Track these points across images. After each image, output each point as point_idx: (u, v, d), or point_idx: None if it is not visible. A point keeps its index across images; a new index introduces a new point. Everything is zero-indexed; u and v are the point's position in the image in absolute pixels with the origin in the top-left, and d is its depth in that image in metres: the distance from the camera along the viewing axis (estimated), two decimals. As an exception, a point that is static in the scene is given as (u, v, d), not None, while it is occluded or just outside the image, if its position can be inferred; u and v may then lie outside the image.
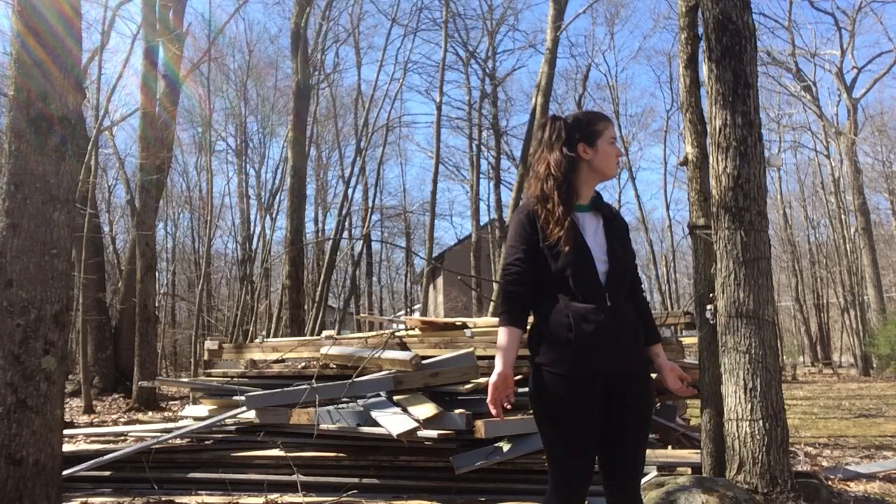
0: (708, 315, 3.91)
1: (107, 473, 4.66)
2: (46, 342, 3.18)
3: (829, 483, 4.29)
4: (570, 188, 2.15)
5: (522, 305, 2.11)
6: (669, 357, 4.88)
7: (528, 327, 2.18)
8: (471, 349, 4.52)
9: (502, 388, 2.03)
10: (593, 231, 2.16)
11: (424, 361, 4.42)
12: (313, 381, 4.54)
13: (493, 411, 2.03)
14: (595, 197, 2.24)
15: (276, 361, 5.75)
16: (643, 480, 3.16)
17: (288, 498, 4.18)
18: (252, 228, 26.57)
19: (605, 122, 2.25)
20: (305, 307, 15.87)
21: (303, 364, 5.55)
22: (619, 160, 2.27)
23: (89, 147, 10.88)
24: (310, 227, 25.97)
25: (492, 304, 13.58)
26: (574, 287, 2.06)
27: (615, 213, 2.28)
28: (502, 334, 2.08)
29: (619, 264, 2.13)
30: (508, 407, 2.06)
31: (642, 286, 2.33)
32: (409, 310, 30.92)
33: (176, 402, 12.74)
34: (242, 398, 4.64)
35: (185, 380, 7.99)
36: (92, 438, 6.00)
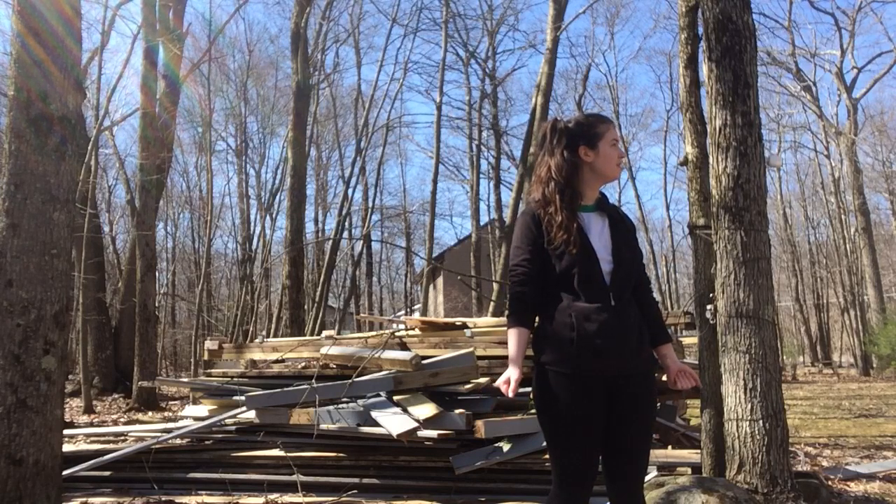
0: (708, 315, 3.90)
1: (107, 473, 4.66)
2: (46, 342, 3.18)
3: (829, 483, 4.29)
4: (572, 191, 2.16)
5: (530, 306, 2.13)
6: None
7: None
8: (471, 349, 4.52)
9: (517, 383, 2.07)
10: (598, 231, 2.17)
11: (424, 361, 4.41)
12: (313, 381, 4.54)
13: (506, 388, 2.06)
14: (600, 198, 2.24)
15: (276, 361, 5.75)
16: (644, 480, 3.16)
17: (288, 498, 4.18)
18: (252, 228, 26.63)
19: (606, 124, 2.25)
20: (305, 307, 15.87)
21: (303, 364, 5.55)
22: (622, 161, 2.27)
23: (89, 147, 10.87)
24: (310, 227, 26.02)
25: (492, 304, 13.58)
26: (578, 287, 2.07)
27: (622, 214, 2.28)
28: (512, 337, 2.11)
29: (624, 265, 2.14)
30: (511, 395, 2.07)
31: (650, 286, 2.33)
32: (409, 310, 30.93)
33: (176, 402, 12.73)
34: (242, 398, 4.64)
35: (185, 380, 7.99)
36: (92, 438, 6.00)
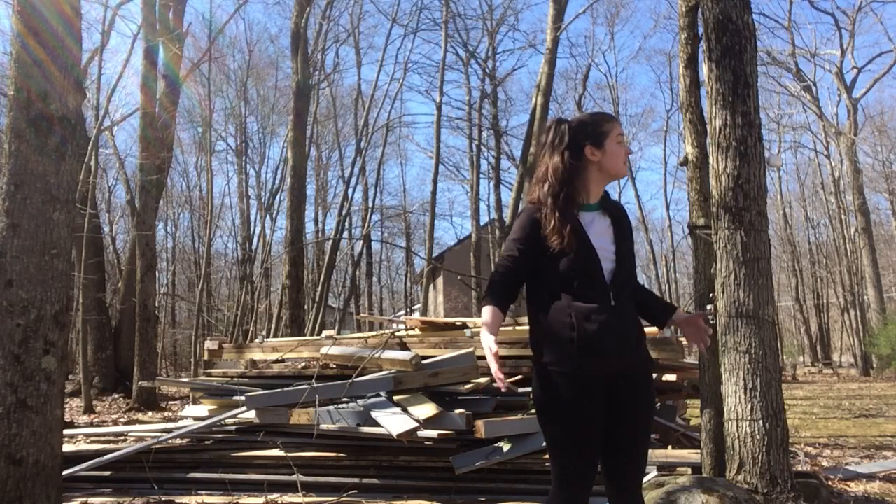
0: (708, 315, 3.91)
1: (107, 473, 4.66)
2: (46, 342, 3.18)
3: (829, 483, 4.29)
4: (567, 193, 2.13)
5: (505, 291, 2.11)
6: (669, 357, 4.86)
7: (531, 327, 2.18)
8: (471, 349, 4.51)
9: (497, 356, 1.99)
10: (601, 230, 2.15)
11: (424, 361, 4.41)
12: (313, 381, 4.54)
13: (501, 384, 1.99)
14: (603, 196, 2.23)
15: (276, 361, 5.75)
16: (643, 480, 3.16)
17: (288, 498, 4.18)
18: (252, 228, 26.63)
19: (611, 121, 2.24)
20: (305, 307, 15.87)
21: (303, 364, 5.54)
22: (629, 158, 2.26)
23: (89, 147, 10.87)
24: (310, 227, 26.01)
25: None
26: (578, 287, 2.06)
27: (624, 213, 2.27)
28: (486, 312, 2.07)
29: (625, 264, 2.14)
30: (503, 388, 2.04)
31: (638, 280, 2.33)
32: (409, 310, 30.92)
33: (176, 402, 12.74)
34: (242, 398, 4.64)
35: (185, 380, 7.99)
36: (92, 438, 6.00)
